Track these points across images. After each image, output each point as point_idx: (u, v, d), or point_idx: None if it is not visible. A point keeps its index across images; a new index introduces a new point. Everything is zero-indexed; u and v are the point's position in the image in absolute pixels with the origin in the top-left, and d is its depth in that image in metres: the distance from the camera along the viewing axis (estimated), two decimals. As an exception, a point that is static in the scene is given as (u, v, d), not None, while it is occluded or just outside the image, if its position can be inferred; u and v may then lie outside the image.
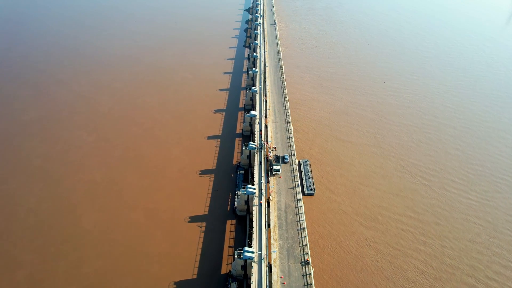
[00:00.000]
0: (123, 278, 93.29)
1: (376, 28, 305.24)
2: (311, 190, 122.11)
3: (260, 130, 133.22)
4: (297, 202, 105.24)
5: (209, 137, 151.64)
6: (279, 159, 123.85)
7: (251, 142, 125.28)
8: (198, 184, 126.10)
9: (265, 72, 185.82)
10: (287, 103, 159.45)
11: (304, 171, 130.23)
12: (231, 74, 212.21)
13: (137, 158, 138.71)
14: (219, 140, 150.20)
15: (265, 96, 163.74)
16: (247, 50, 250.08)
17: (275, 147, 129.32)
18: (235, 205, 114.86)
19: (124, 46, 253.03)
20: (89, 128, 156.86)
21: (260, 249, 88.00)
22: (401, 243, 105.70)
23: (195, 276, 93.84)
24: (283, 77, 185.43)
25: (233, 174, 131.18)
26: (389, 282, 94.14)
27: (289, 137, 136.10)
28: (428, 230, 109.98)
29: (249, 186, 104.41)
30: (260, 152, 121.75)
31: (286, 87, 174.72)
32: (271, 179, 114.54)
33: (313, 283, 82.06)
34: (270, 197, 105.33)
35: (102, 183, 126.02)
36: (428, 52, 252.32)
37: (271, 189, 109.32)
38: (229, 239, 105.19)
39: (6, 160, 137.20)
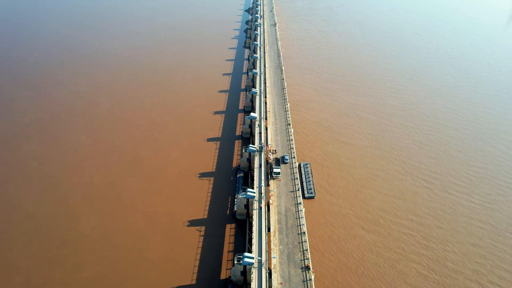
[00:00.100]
0: (121, 283, 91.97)
1: (376, 28, 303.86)
2: (311, 193, 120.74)
3: (260, 133, 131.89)
4: (298, 206, 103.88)
5: (209, 139, 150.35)
6: (279, 161, 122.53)
7: (251, 145, 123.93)
8: (198, 187, 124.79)
9: (265, 73, 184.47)
10: (287, 104, 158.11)
11: (305, 173, 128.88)
12: (230, 75, 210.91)
13: (136, 161, 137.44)
14: (218, 142, 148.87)
15: (265, 97, 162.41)
16: (247, 51, 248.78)
17: (275, 150, 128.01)
18: (235, 208, 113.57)
19: (124, 47, 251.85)
20: (88, 130, 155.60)
21: (260, 254, 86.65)
22: (402, 247, 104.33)
23: (194, 282, 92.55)
24: (283, 78, 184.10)
25: (232, 177, 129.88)
26: (391, 287, 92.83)
27: (289, 140, 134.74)
28: (430, 234, 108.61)
29: (248, 189, 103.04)
30: (260, 154, 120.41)
31: (286, 89, 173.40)
32: (271, 182, 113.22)
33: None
34: (270, 201, 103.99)
35: (101, 186, 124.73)
36: (429, 53, 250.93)
37: (271, 192, 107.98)
38: (229, 243, 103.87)
39: (3, 162, 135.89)
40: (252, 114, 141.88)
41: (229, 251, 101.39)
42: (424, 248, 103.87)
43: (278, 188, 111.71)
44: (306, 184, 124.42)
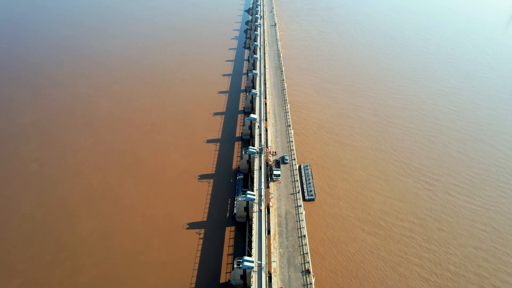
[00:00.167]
0: (120, 287, 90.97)
1: (377, 28, 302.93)
2: (312, 195, 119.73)
3: (260, 134, 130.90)
4: (298, 209, 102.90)
5: (208, 141, 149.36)
6: (279, 162, 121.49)
7: (250, 147, 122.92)
8: (197, 189, 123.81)
9: (265, 74, 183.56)
10: (287, 105, 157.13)
11: (305, 175, 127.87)
12: (230, 76, 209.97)
13: (135, 162, 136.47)
14: (218, 143, 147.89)
15: (265, 98, 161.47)
16: (247, 51, 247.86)
17: (275, 152, 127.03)
18: (235, 211, 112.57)
19: (124, 47, 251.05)
20: (87, 132, 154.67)
21: (259, 258, 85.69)
22: (404, 250, 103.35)
23: (193, 286, 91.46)
24: (283, 79, 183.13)
25: (232, 179, 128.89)
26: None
27: (290, 141, 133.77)
28: (431, 237, 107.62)
29: (248, 192, 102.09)
30: (260, 156, 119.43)
31: (286, 89, 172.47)
32: (271, 184, 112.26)
33: (314, 294, 79.84)
34: (270, 204, 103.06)
35: (99, 188, 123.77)
36: (430, 53, 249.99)
37: (271, 195, 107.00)
38: (228, 246, 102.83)
39: (1, 163, 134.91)
40: (252, 115, 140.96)
41: (228, 254, 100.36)
42: (425, 251, 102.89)
43: (278, 190, 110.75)
44: (307, 186, 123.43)
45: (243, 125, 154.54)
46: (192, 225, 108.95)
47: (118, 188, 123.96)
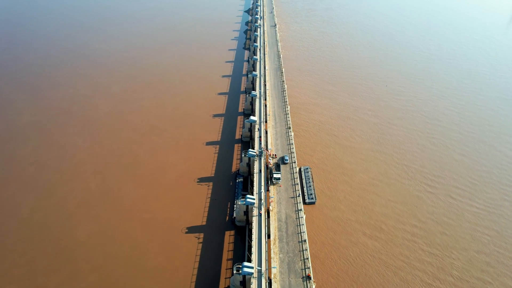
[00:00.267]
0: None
1: (377, 29, 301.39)
2: (312, 198, 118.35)
3: (260, 136, 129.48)
4: (298, 213, 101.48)
5: (208, 143, 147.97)
6: (279, 165, 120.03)
7: (250, 149, 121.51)
8: (196, 192, 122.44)
9: (265, 76, 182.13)
10: (287, 107, 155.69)
11: (305, 178, 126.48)
12: (230, 77, 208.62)
13: (133, 165, 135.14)
14: (217, 146, 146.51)
15: (265, 100, 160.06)
16: (246, 52, 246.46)
17: (275, 154, 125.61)
18: (234, 215, 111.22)
19: (123, 48, 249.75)
20: (85, 134, 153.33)
21: (259, 264, 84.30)
22: (405, 254, 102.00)
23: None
24: (283, 81, 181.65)
25: (232, 182, 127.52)
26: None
27: (290, 143, 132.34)
28: (433, 241, 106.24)
29: (248, 196, 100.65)
30: (260, 159, 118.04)
31: (286, 91, 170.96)
32: (271, 188, 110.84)
33: (315, 300, 78.47)
34: (270, 207, 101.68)
35: (98, 191, 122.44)
36: (431, 54, 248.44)
37: (271, 199, 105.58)
38: (228, 251, 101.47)
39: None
40: (251, 117, 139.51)
41: (228, 259, 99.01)
42: (427, 255, 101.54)
43: (278, 194, 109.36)
44: (307, 189, 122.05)
45: (243, 127, 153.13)
46: (191, 229, 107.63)
47: (116, 191, 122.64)
